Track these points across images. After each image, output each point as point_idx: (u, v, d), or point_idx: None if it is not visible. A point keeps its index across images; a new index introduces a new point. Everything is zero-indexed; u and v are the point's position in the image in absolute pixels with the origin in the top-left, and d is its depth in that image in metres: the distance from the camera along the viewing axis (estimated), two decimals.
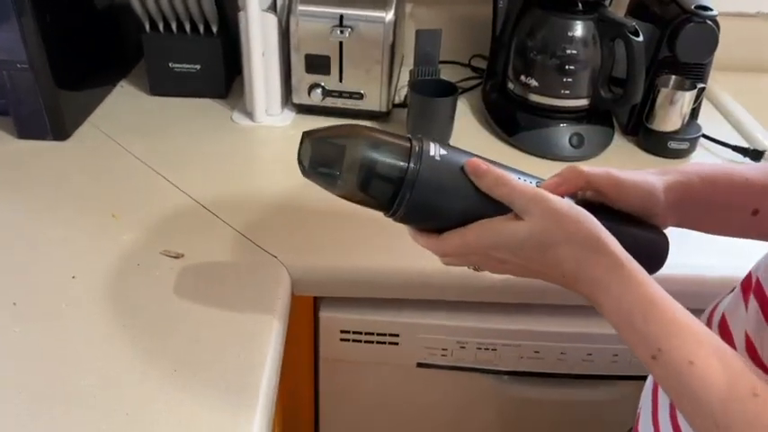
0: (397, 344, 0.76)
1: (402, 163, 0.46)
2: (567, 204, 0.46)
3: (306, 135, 0.48)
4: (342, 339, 0.76)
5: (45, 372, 0.57)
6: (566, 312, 0.75)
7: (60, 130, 0.90)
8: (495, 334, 0.75)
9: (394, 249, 0.72)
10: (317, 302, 0.76)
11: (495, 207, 0.47)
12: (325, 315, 0.75)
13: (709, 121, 1.01)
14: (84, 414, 0.54)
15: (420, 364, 0.78)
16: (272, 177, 0.87)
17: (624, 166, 0.92)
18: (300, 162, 0.48)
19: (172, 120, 0.99)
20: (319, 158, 0.47)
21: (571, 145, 0.92)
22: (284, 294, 0.68)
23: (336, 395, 0.83)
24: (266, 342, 0.61)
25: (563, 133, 0.93)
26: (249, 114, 0.99)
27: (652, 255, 0.51)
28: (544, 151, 0.92)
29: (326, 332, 0.76)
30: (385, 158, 0.46)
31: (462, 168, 0.48)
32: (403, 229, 0.52)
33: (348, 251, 0.72)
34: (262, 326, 0.63)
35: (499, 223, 0.47)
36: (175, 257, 0.70)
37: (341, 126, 0.49)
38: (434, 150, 0.47)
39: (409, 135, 0.49)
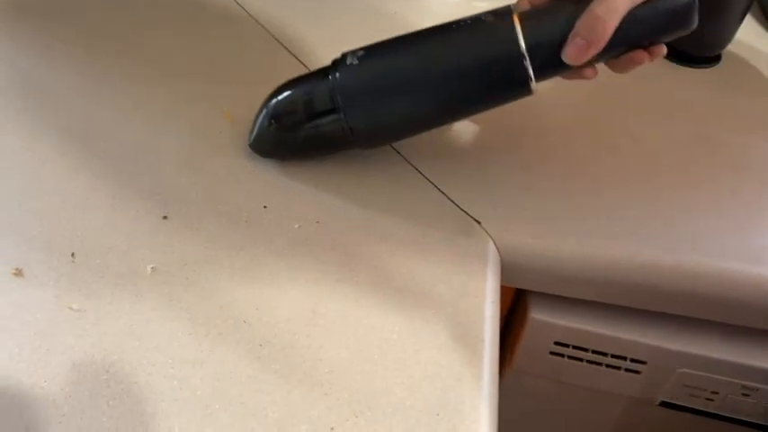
0: (638, 372, 0.49)
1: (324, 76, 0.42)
2: None
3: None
4: (553, 353, 0.49)
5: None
6: None
7: None
8: None
9: (653, 235, 0.43)
10: (521, 297, 0.49)
11: None
12: (538, 317, 0.47)
13: None
14: None
15: (665, 404, 0.51)
16: None
17: None
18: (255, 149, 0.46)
19: None
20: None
21: None
22: (493, 280, 0.41)
23: (516, 420, 0.58)
24: (477, 354, 0.35)
25: None
26: None
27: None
28: None
29: (533, 340, 0.49)
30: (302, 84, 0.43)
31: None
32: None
33: (586, 224, 0.44)
34: (468, 328, 0.37)
35: None
36: None
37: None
38: (350, 59, 0.42)
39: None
